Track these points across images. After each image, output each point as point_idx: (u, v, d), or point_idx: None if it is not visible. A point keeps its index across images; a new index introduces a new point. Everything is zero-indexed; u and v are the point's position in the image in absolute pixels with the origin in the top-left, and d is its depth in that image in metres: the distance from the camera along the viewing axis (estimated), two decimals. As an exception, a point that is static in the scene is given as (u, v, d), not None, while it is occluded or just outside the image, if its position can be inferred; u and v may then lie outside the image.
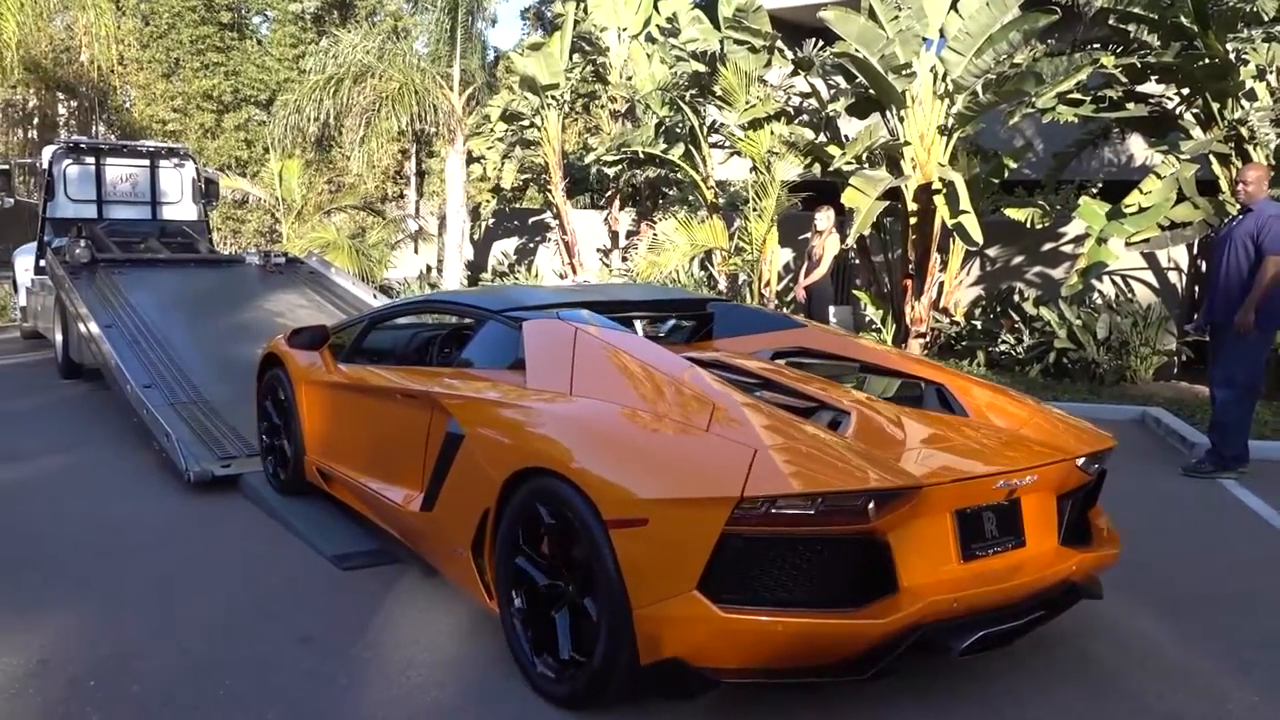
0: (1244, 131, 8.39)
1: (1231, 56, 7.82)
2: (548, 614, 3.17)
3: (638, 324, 4.65)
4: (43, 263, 10.54)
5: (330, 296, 9.68)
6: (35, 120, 23.34)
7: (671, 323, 5.01)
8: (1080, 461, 3.33)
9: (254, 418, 6.39)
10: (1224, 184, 8.77)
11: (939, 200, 9.66)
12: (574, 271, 14.99)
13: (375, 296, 9.78)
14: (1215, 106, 8.50)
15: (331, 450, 4.89)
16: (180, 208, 12.26)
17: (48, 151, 11.69)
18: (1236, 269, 6.22)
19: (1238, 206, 6.62)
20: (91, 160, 11.72)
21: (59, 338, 9.66)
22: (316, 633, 3.74)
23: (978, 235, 9.17)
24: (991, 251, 12.26)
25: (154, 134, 22.13)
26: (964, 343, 10.69)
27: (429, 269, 17.35)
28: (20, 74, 18.95)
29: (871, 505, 2.70)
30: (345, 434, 4.78)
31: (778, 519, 2.67)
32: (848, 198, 9.56)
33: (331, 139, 15.05)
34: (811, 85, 11.50)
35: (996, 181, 10.85)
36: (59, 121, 23.47)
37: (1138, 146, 11.61)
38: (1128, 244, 8.54)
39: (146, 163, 12.14)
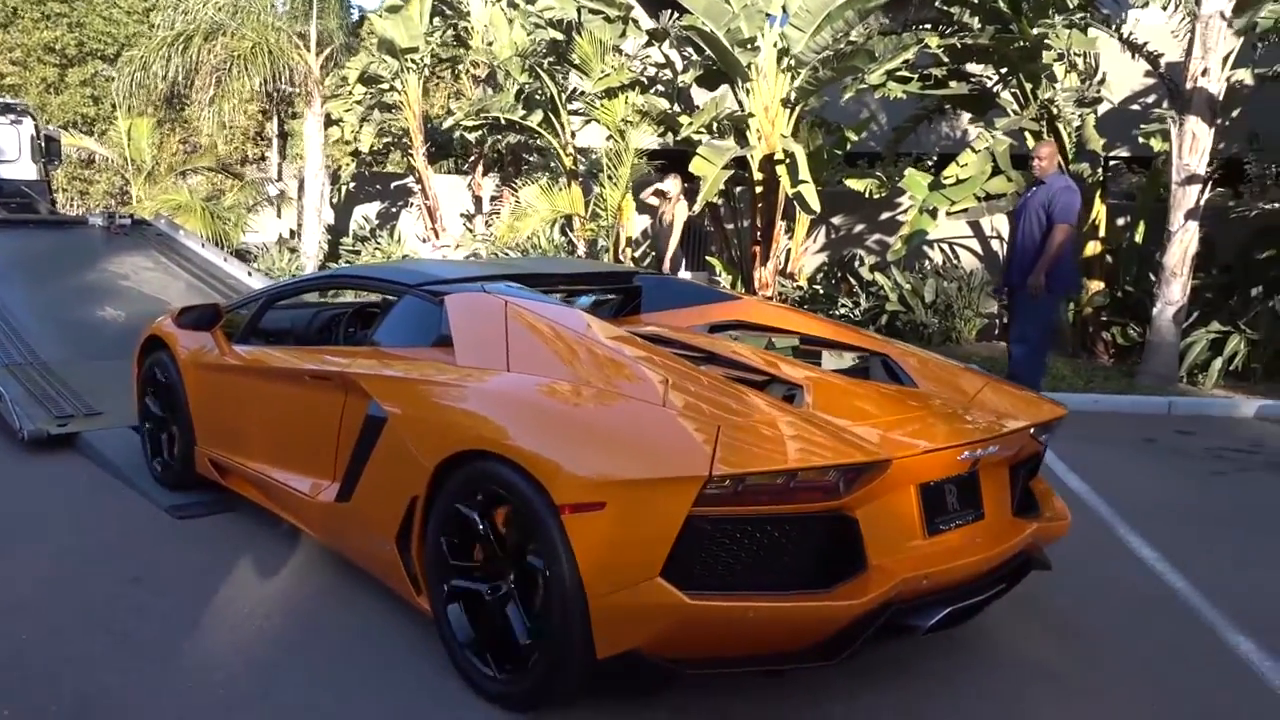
0: (1053, 110, 9.12)
1: (1042, 41, 8.49)
2: (488, 608, 2.98)
3: (560, 298, 4.33)
4: None
5: (178, 259, 9.55)
6: None
7: (596, 297, 4.63)
8: (1033, 430, 3.26)
9: (93, 378, 6.43)
10: (1037, 159, 9.54)
11: (781, 170, 10.15)
12: (436, 236, 15.01)
13: (226, 260, 9.71)
14: (1028, 87, 9.20)
15: (227, 440, 4.50)
16: (18, 166, 11.80)
17: None
18: (1030, 237, 6.85)
19: (1031, 180, 7.28)
20: (-81, 116, 11.21)
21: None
22: (147, 575, 3.92)
23: (815, 204, 9.69)
24: (836, 220, 12.92)
25: (-10, 88, 20.95)
26: (806, 306, 11.28)
27: (291, 233, 17.06)
28: None
29: (841, 481, 2.59)
30: (243, 422, 4.40)
31: (747, 498, 2.54)
32: (695, 166, 9.95)
33: (183, 98, 14.61)
34: (666, 56, 11.84)
35: (839, 153, 11.45)
36: (-117, 73, 21.93)
37: (969, 122, 12.36)
38: (947, 213, 9.20)
39: (-20, 119, 11.66)
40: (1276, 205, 9.29)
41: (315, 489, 3.78)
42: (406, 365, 3.51)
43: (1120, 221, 10.97)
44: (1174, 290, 8.43)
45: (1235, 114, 10.06)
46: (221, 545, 4.26)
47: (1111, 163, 12.91)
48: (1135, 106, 12.17)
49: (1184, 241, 8.38)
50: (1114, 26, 9.71)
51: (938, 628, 2.83)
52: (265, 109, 24.63)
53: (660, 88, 12.09)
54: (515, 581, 2.91)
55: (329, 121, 14.96)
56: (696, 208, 10.18)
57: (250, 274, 9.37)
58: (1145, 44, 9.76)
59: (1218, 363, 8.55)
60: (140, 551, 4.19)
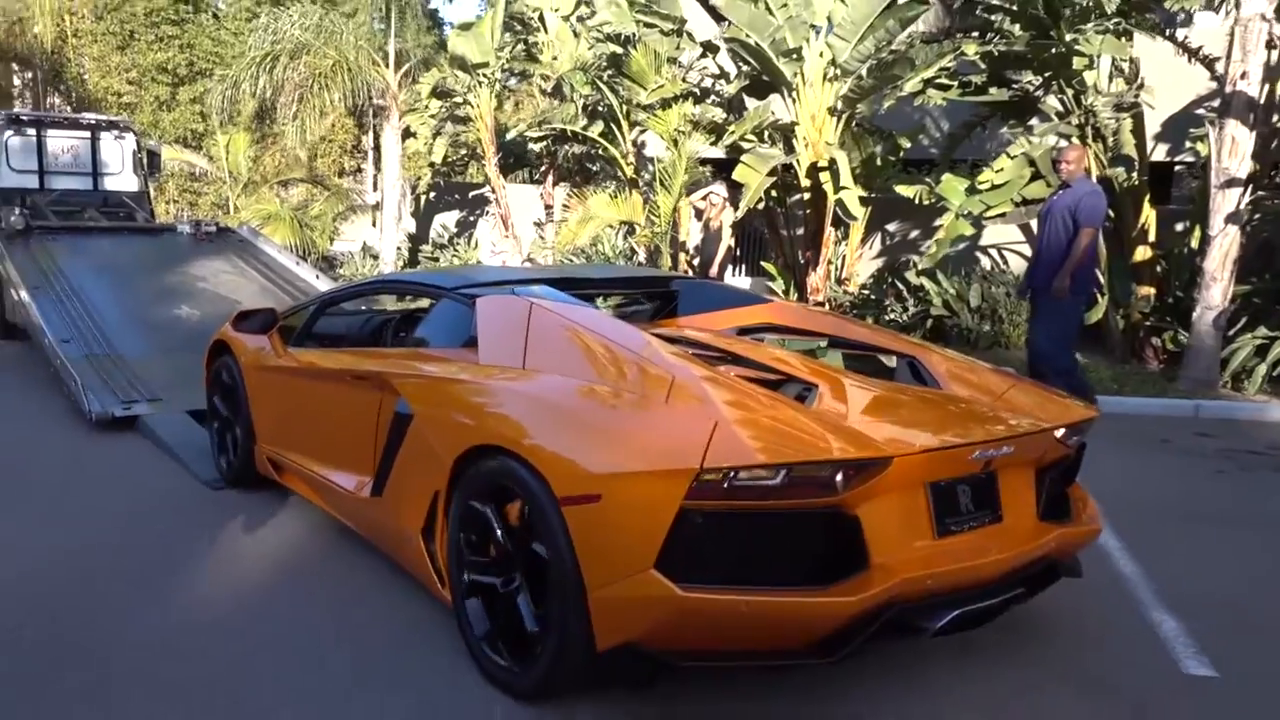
0: (1093, 115, 9.13)
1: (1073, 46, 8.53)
2: (500, 600, 3.05)
3: (600, 303, 4.56)
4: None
5: (255, 263, 10.26)
6: (-11, 92, 23.58)
7: (633, 301, 4.85)
8: (1060, 433, 3.20)
9: (162, 369, 7.08)
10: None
11: (825, 177, 10.35)
12: (514, 244, 15.58)
13: (298, 264, 10.36)
14: (1070, 93, 9.22)
15: (282, 438, 4.68)
16: (121, 178, 12.77)
17: (-12, 123, 12.19)
18: (1056, 240, 6.94)
19: (1058, 183, 7.36)
20: (33, 132, 12.23)
21: (-4, 301, 10.22)
22: (173, 534, 4.45)
23: (857, 210, 9.87)
24: (891, 227, 13.03)
25: (109, 106, 22.44)
26: (856, 311, 11.42)
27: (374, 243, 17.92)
28: (-29, 46, 19.33)
29: (839, 477, 2.58)
30: (295, 421, 4.59)
31: (740, 492, 2.54)
32: (739, 174, 10.22)
33: (270, 114, 15.56)
34: (720, 67, 12.15)
35: (893, 160, 11.56)
36: (13, 93, 23.71)
37: (1010, 128, 12.32)
38: (983, 218, 9.27)
39: (88, 134, 12.64)
40: (1338, 209, 9.11)
41: (356, 485, 3.91)
42: (434, 364, 3.65)
43: (1179, 227, 10.82)
44: (1214, 295, 8.35)
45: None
46: (245, 514, 4.77)
47: (1177, 168, 12.71)
48: (1200, 111, 11.96)
49: (1224, 246, 8.30)
50: (1169, 31, 9.67)
51: (948, 630, 2.77)
52: (362, 122, 25.84)
53: (715, 97, 12.41)
54: (525, 574, 2.96)
55: (406, 134, 15.68)
56: (739, 214, 10.44)
57: (318, 277, 9.99)
58: (1200, 48, 9.69)
59: (1262, 368, 8.42)
60: (173, 516, 4.73)
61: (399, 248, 15.68)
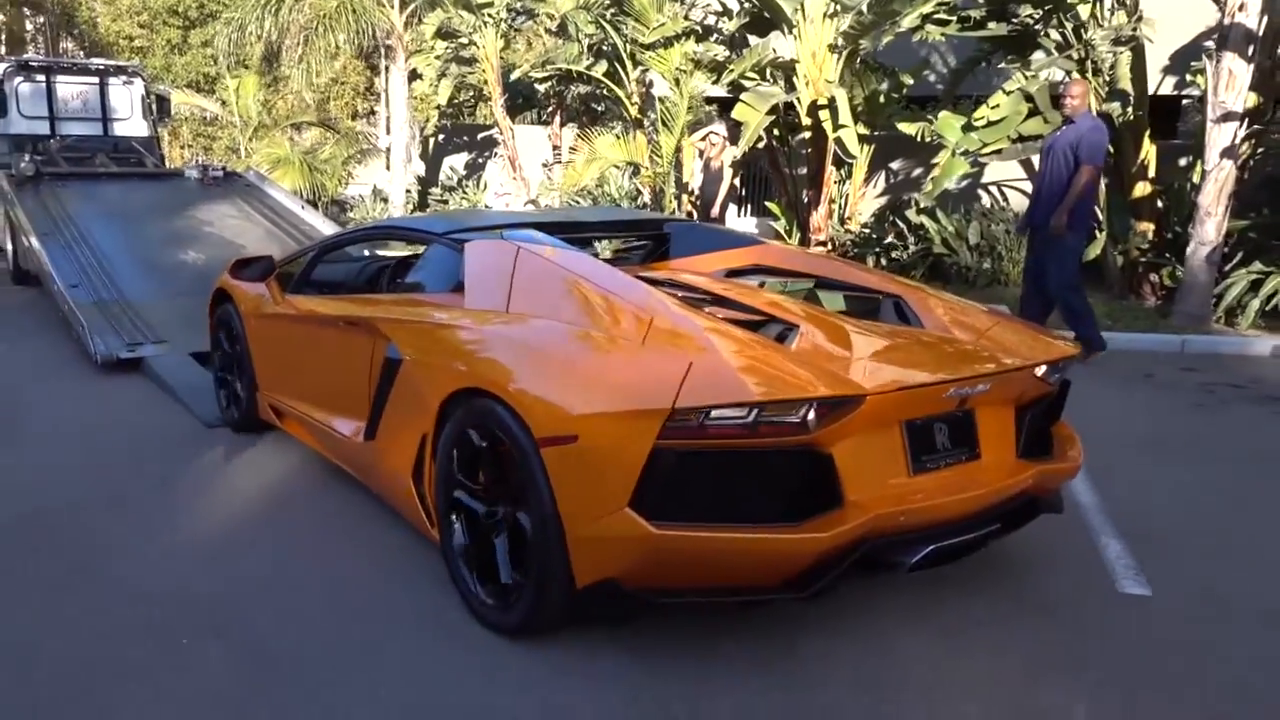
0: (1092, 50, 9.06)
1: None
2: (485, 540, 3.13)
3: (597, 247, 4.64)
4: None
5: (261, 208, 10.41)
6: (2, 37, 23.66)
7: (626, 244, 4.90)
8: (1040, 371, 3.24)
9: (167, 313, 7.29)
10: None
11: (825, 115, 10.34)
12: (519, 185, 15.65)
13: (303, 208, 10.49)
14: (1069, 27, 9.14)
15: (282, 385, 4.75)
16: (130, 124, 12.91)
17: (-2, 69, 12.33)
18: (1057, 177, 6.97)
19: (1061, 119, 7.36)
20: (42, 78, 12.35)
21: (9, 247, 10.44)
22: (167, 467, 4.69)
23: (855, 149, 9.89)
24: (895, 165, 12.98)
25: (120, 50, 22.52)
26: (857, 250, 11.47)
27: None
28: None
29: (811, 415, 2.61)
30: (293, 367, 4.65)
31: (712, 431, 2.59)
32: (738, 112, 10.24)
33: (277, 57, 15.60)
34: (722, 3, 12.08)
35: (896, 97, 11.50)
36: (25, 39, 23.79)
37: (1040, 63, 12.19)
38: (979, 155, 9.26)
39: (97, 80, 12.76)
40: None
41: (351, 430, 3.98)
42: (422, 309, 3.71)
43: (1183, 162, 10.74)
44: (1208, 230, 8.34)
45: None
46: (238, 451, 4.99)
47: (1184, 102, 12.55)
48: (1210, 44, 11.77)
49: (1219, 180, 8.27)
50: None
51: (922, 565, 2.82)
52: (374, 65, 25.77)
53: (718, 35, 12.35)
54: (508, 513, 3.04)
55: (413, 76, 15.68)
56: (737, 153, 10.47)
57: (324, 222, 10.13)
58: (1206, -22, 9.55)
59: (1255, 303, 8.45)
60: (169, 451, 4.95)
61: (408, 190, 15.77)
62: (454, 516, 3.26)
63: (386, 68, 22.98)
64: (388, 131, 24.53)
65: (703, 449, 2.61)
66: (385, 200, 16.19)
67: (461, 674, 2.90)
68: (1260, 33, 8.21)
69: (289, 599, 3.37)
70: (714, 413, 2.57)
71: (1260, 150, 10.03)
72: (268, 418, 4.94)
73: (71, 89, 12.64)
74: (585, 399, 2.81)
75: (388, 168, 20.09)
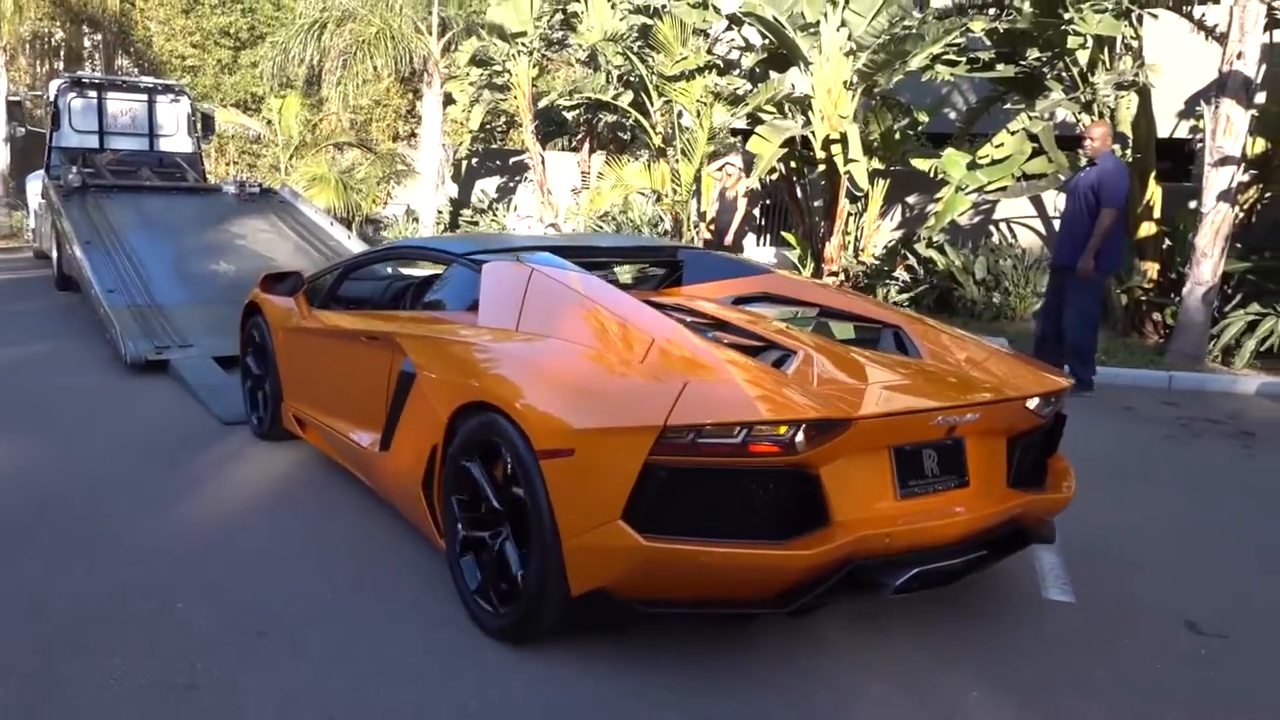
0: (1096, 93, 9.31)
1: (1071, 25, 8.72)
2: (487, 549, 3.26)
3: (612, 272, 4.74)
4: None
5: (292, 223, 10.89)
6: (61, 53, 24.62)
7: (640, 270, 5.09)
8: (1032, 404, 3.30)
9: (196, 319, 7.72)
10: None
11: (838, 149, 10.64)
12: (543, 209, 16.07)
13: (332, 224, 10.95)
14: (1075, 70, 9.40)
15: (305, 395, 4.92)
16: (175, 140, 13.50)
17: (54, 85, 12.99)
18: (1080, 217, 7.26)
19: (1085, 160, 7.65)
20: (94, 94, 13.00)
21: (55, 255, 11.00)
22: (181, 460, 5.06)
23: (864, 182, 10.17)
24: (911, 199, 13.24)
25: (173, 69, 23.31)
26: (867, 281, 11.72)
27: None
28: (46, 7, 20.26)
29: (799, 437, 2.70)
30: (318, 379, 4.82)
31: (703, 449, 2.69)
32: (752, 144, 10.58)
33: (319, 79, 16.19)
34: (745, 39, 12.45)
35: (911, 133, 11.78)
36: (84, 55, 24.72)
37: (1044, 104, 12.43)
38: (982, 192, 9.52)
39: (145, 98, 13.39)
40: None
41: (369, 441, 4.12)
42: (438, 326, 3.88)
43: (1193, 204, 10.91)
44: (1204, 270, 8.53)
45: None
46: (249, 446, 5.35)
47: (1199, 145, 12.70)
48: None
49: (1215, 222, 8.47)
50: (1187, 9, 9.75)
51: (907, 588, 2.90)
52: (415, 89, 26.51)
53: (740, 69, 12.71)
54: (508, 524, 3.16)
55: (448, 100, 16.20)
56: (750, 184, 10.79)
57: (350, 238, 10.58)
58: (1215, 26, 9.76)
59: (1250, 343, 8.60)
60: (184, 446, 5.32)
61: (440, 211, 16.25)
62: (458, 525, 3.41)
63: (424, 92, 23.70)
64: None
65: (693, 466, 2.72)
66: (417, 220, 16.68)
67: (419, 629, 3.21)
68: (1260, 79, 8.42)
69: (283, 573, 3.70)
70: (705, 431, 2.69)
71: (1267, 195, 10.19)
72: (291, 428, 5.10)
73: (121, 105, 13.26)
74: (582, 414, 2.94)
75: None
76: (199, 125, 13.87)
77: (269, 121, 20.54)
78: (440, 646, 3.19)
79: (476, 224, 17.08)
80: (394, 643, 3.21)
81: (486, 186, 18.59)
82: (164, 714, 2.75)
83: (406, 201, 18.71)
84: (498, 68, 15.49)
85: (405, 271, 6.04)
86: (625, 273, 5.14)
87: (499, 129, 19.04)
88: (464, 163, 18.02)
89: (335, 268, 5.27)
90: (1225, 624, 3.58)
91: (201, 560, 3.80)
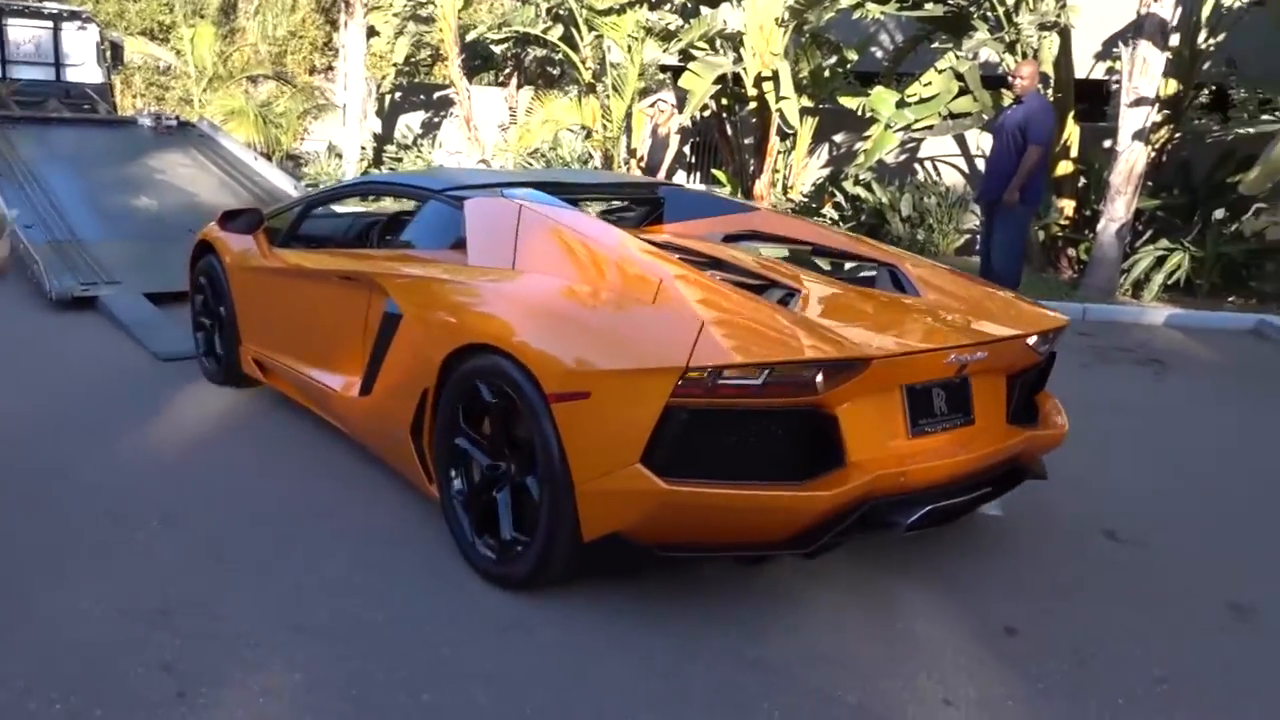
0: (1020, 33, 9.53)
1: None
2: (489, 494, 3.18)
3: (587, 208, 4.50)
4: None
5: (214, 158, 10.57)
6: (-49, -23, 23.18)
7: (620, 206, 4.94)
8: (1032, 340, 3.34)
9: (120, 254, 7.53)
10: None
11: (769, 87, 10.73)
12: (472, 145, 15.86)
13: (256, 159, 10.69)
14: (1000, 9, 9.60)
15: (268, 339, 4.72)
16: (84, 70, 12.96)
17: (-51, 12, 12.32)
18: (1007, 154, 7.54)
19: (1011, 98, 7.89)
20: (-7, 20, 12.39)
21: (-40, 188, 10.53)
22: (122, 397, 5.02)
23: (795, 120, 10.30)
24: (839, 137, 13.41)
25: (75, -5, 22.22)
26: (797, 217, 11.91)
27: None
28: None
29: (819, 377, 2.69)
30: (282, 322, 4.62)
31: (723, 390, 2.65)
32: (685, 81, 10.61)
33: (235, 7, 15.63)
34: (676, -26, 12.40)
35: (841, 71, 11.92)
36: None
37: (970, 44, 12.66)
38: (910, 130, 9.73)
39: (50, 25, 12.79)
40: (1250, 130, 9.60)
41: (342, 384, 3.98)
42: (423, 265, 3.71)
43: (1108, 144, 11.29)
44: (1118, 207, 8.89)
45: (1220, 39, 10.32)
46: (190, 384, 5.30)
47: (1114, 86, 13.10)
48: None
49: (1129, 160, 8.81)
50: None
51: (917, 526, 2.90)
52: (333, 20, 25.64)
53: (670, 4, 12.67)
54: (513, 468, 3.10)
55: (371, 33, 15.78)
56: (682, 121, 10.84)
57: (279, 174, 10.34)
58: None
59: (1159, 277, 9.02)
60: (123, 383, 5.26)
61: (364, 147, 15.92)
62: (453, 471, 3.32)
63: (345, 23, 22.97)
64: (345, 88, 24.57)
65: (713, 408, 2.68)
66: (340, 156, 16.31)
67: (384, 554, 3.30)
68: (1175, 22, 8.72)
69: (244, 499, 3.74)
70: (725, 373, 2.64)
71: (1177, 135, 10.60)
72: (250, 371, 4.90)
73: (23, 33, 12.67)
74: (598, 356, 2.87)
75: (344, 124, 20.19)
76: (108, 54, 13.36)
77: (178, 52, 19.76)
78: (405, 563, 3.28)
79: (400, 160, 16.77)
80: (362, 563, 3.29)
81: (411, 122, 18.21)
82: (141, 635, 2.80)
83: (324, 137, 18.24)
84: (422, -1, 15.15)
85: (371, 208, 5.87)
86: (602, 209, 5.02)
87: (424, 63, 18.63)
88: (387, 97, 17.62)
89: (296, 204, 5.05)
90: (1139, 532, 3.86)
91: (159, 489, 3.81)
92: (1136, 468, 4.69)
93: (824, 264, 4.00)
